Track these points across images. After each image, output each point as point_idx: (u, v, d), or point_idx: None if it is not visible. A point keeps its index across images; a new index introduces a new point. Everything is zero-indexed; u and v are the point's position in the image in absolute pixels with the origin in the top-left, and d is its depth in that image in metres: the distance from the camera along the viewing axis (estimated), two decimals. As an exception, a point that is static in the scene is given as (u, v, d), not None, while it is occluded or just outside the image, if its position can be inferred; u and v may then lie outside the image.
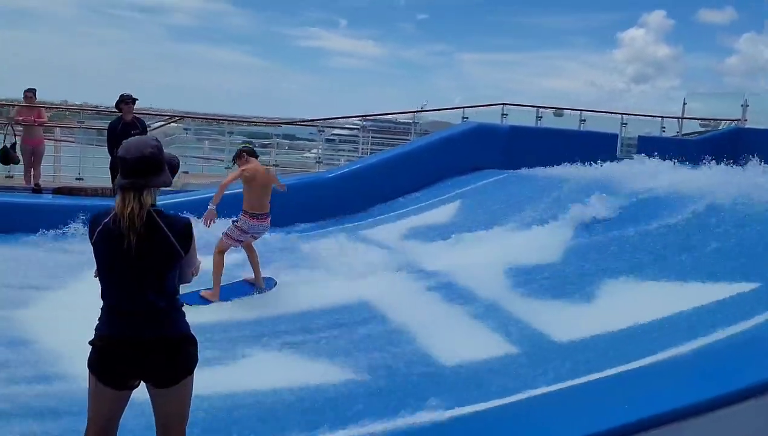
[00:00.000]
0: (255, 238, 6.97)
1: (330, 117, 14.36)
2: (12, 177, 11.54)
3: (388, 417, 4.15)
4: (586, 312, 5.92)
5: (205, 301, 6.48)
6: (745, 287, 5.63)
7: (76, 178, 11.87)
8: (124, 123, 9.20)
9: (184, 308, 2.94)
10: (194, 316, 5.74)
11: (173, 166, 2.98)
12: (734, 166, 9.13)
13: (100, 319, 2.84)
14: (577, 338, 5.33)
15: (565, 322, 5.70)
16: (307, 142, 17.55)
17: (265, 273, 7.23)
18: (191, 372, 2.91)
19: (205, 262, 7.10)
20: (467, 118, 14.03)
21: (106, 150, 9.40)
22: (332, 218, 10.34)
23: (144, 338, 2.77)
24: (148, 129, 10.47)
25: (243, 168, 6.70)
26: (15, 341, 5.25)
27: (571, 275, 6.81)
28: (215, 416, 4.22)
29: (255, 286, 6.95)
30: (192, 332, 2.94)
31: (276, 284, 7.10)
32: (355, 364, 5.09)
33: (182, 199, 10.33)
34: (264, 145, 15.68)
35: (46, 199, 9.64)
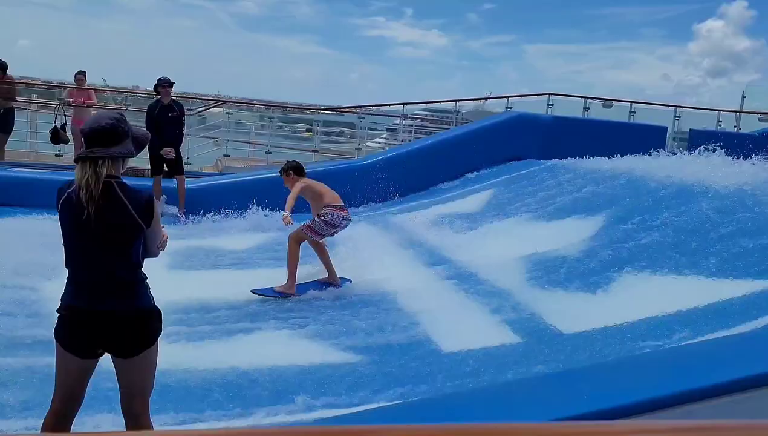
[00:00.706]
0: (332, 235, 6.74)
1: (371, 104, 14.39)
2: (62, 156, 12.03)
3: (375, 397, 4.20)
4: (598, 305, 5.76)
5: (283, 294, 6.31)
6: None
7: (122, 160, 12.28)
8: (162, 106, 9.44)
9: (147, 281, 3.01)
10: (199, 292, 6.05)
11: (139, 140, 3.02)
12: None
13: (65, 288, 2.93)
14: (584, 330, 5.21)
15: (575, 314, 5.57)
16: (369, 132, 17.66)
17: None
18: (153, 344, 2.97)
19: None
20: (511, 107, 13.83)
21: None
22: (363, 204, 10.38)
23: (105, 310, 2.84)
24: (187, 113, 10.73)
25: (302, 182, 6.58)
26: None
27: (590, 268, 6.63)
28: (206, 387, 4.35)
29: (330, 284, 6.64)
30: (156, 304, 3.01)
31: (351, 282, 6.77)
32: (354, 345, 5.15)
33: (221, 181, 10.62)
34: (327, 133, 15.83)
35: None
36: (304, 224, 6.53)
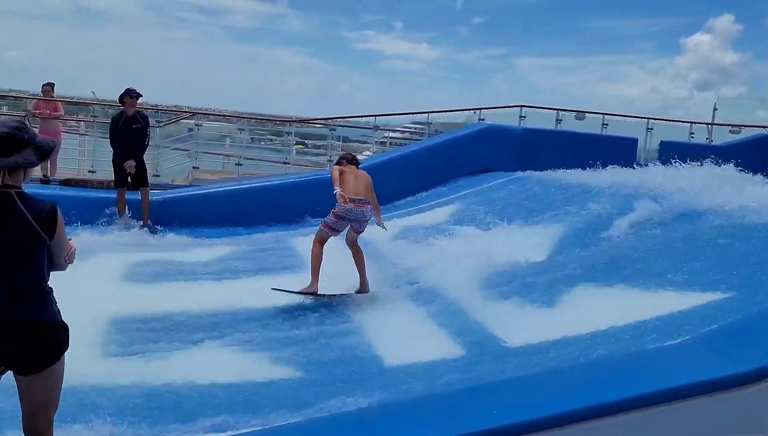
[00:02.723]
0: (357, 231, 6.74)
1: (343, 116, 14.35)
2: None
3: (307, 409, 4.15)
4: (549, 317, 5.73)
5: (306, 293, 6.33)
6: (718, 296, 5.39)
7: (89, 171, 12.22)
8: (126, 117, 9.36)
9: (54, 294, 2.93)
10: (149, 308, 5.98)
11: (43, 149, 2.95)
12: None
13: None
14: (529, 342, 5.17)
15: (525, 327, 5.52)
16: (360, 145, 17.49)
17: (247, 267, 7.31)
18: (57, 360, 2.88)
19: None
20: (483, 119, 13.86)
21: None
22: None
23: (7, 323, 2.75)
24: (152, 125, 10.65)
25: (334, 170, 6.84)
26: None
27: (547, 280, 6.57)
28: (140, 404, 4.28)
29: (361, 292, 6.67)
30: (62, 318, 2.93)
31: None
32: (296, 359, 5.08)
33: (186, 193, 10.54)
34: (317, 146, 15.68)
35: (51, 190, 9.89)
36: (321, 223, 6.69)
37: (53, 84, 11.56)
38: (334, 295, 6.52)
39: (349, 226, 6.70)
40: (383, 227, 7.32)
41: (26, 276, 2.80)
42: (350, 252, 6.84)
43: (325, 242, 6.59)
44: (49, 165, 11.38)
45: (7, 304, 2.76)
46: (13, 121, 2.93)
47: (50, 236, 2.83)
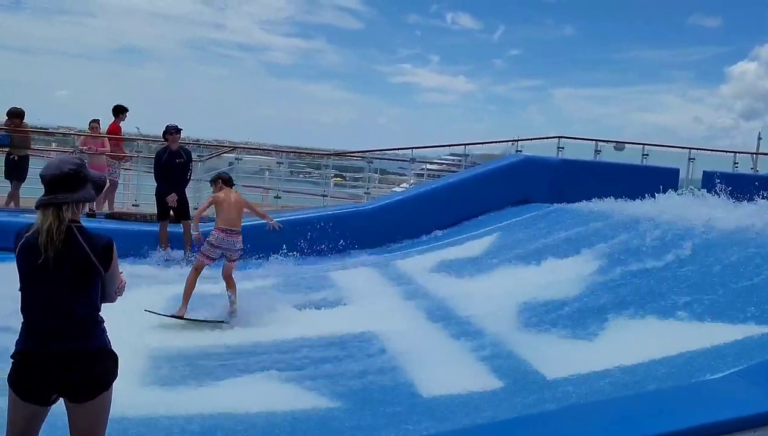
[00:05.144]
0: (230, 259, 7.20)
1: (379, 148, 14.52)
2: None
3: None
4: (588, 349, 5.66)
5: (174, 316, 6.82)
6: (760, 329, 5.24)
7: (133, 205, 12.53)
8: (169, 152, 9.64)
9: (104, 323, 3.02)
10: (188, 339, 6.08)
11: (98, 184, 3.08)
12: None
13: (20, 333, 2.93)
14: (567, 375, 5.10)
15: (563, 359, 5.47)
16: (397, 177, 17.57)
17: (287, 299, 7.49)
18: (107, 388, 2.95)
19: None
20: (520, 150, 13.85)
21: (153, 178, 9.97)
22: (368, 248, 10.39)
23: (59, 352, 2.83)
24: (194, 160, 10.90)
25: (213, 196, 7.31)
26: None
27: (584, 311, 6.53)
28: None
29: (224, 321, 6.99)
30: (113, 348, 3.01)
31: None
32: (336, 392, 5.09)
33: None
34: (355, 179, 15.89)
35: (97, 223, 10.15)
36: (199, 252, 7.22)
37: (98, 120, 11.95)
38: (204, 320, 6.92)
39: (223, 255, 7.20)
40: (276, 226, 7.85)
41: (81, 306, 2.91)
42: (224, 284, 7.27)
43: (200, 270, 7.14)
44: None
45: (62, 332, 2.86)
46: (74, 158, 3.08)
47: (106, 268, 2.93)
